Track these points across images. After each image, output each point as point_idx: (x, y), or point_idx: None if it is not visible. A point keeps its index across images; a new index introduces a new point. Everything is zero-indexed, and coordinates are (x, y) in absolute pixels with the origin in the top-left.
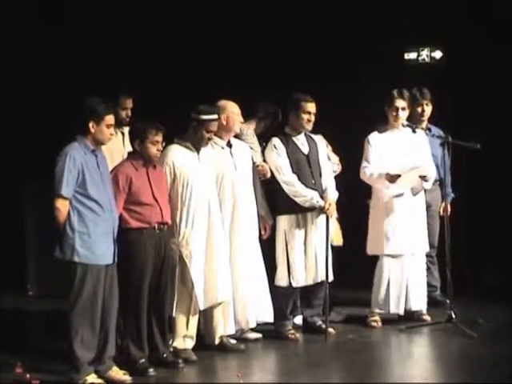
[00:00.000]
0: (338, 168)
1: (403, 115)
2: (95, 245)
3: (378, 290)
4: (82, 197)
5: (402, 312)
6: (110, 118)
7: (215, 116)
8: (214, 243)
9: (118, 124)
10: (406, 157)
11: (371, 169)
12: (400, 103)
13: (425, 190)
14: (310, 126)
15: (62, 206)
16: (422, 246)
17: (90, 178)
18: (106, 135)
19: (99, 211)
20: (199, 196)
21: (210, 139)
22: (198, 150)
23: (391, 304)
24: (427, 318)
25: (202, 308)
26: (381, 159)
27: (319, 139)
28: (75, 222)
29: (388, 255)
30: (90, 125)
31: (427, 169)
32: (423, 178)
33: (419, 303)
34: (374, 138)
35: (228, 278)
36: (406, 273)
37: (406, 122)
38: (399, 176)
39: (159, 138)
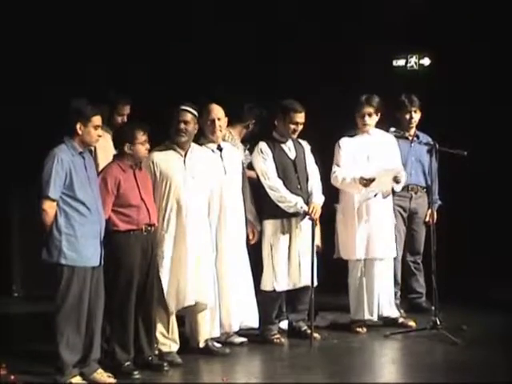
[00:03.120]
0: None
1: (370, 121)
2: (82, 247)
3: (352, 297)
4: (69, 199)
5: (375, 318)
6: (97, 119)
7: (189, 108)
8: (186, 245)
9: (113, 128)
10: (376, 161)
11: (343, 173)
12: (367, 109)
13: (410, 197)
14: (295, 135)
15: (49, 207)
16: (390, 251)
17: (78, 180)
18: (93, 136)
19: (86, 213)
20: (177, 197)
21: (186, 131)
22: (184, 151)
23: (365, 310)
24: (412, 323)
25: (171, 310)
26: (352, 163)
27: (305, 144)
28: (62, 223)
29: (358, 260)
30: (78, 126)
31: (400, 171)
32: (395, 179)
33: (390, 309)
34: (345, 142)
35: (211, 281)
36: (377, 278)
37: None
38: (373, 180)
39: (146, 137)
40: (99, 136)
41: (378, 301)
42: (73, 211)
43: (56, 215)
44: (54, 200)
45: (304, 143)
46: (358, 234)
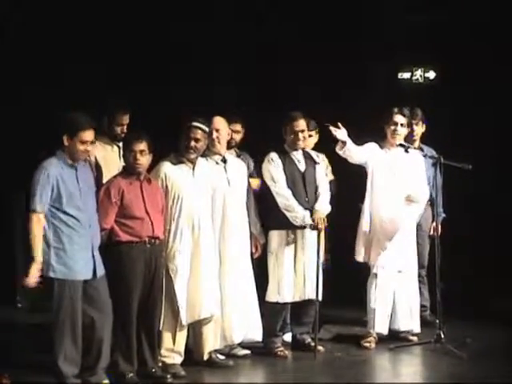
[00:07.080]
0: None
1: (402, 132)
2: (71, 260)
3: (369, 308)
4: (57, 212)
5: (385, 332)
6: (85, 135)
7: (201, 125)
8: (200, 258)
9: (113, 139)
10: (398, 179)
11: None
12: (399, 119)
13: None
14: (302, 143)
15: (36, 221)
16: (412, 265)
17: (67, 193)
18: (78, 151)
19: (76, 226)
20: (189, 210)
21: (195, 148)
22: (193, 165)
23: (376, 323)
24: (414, 338)
25: (184, 323)
26: (375, 170)
27: (317, 156)
28: (51, 237)
29: (377, 267)
30: (64, 138)
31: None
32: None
33: (408, 324)
34: (375, 145)
35: (216, 293)
36: (392, 291)
37: (398, 142)
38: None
39: (144, 147)
40: (86, 151)
41: (395, 315)
42: (61, 224)
43: (44, 228)
44: (40, 213)
45: (314, 154)
46: (379, 239)
